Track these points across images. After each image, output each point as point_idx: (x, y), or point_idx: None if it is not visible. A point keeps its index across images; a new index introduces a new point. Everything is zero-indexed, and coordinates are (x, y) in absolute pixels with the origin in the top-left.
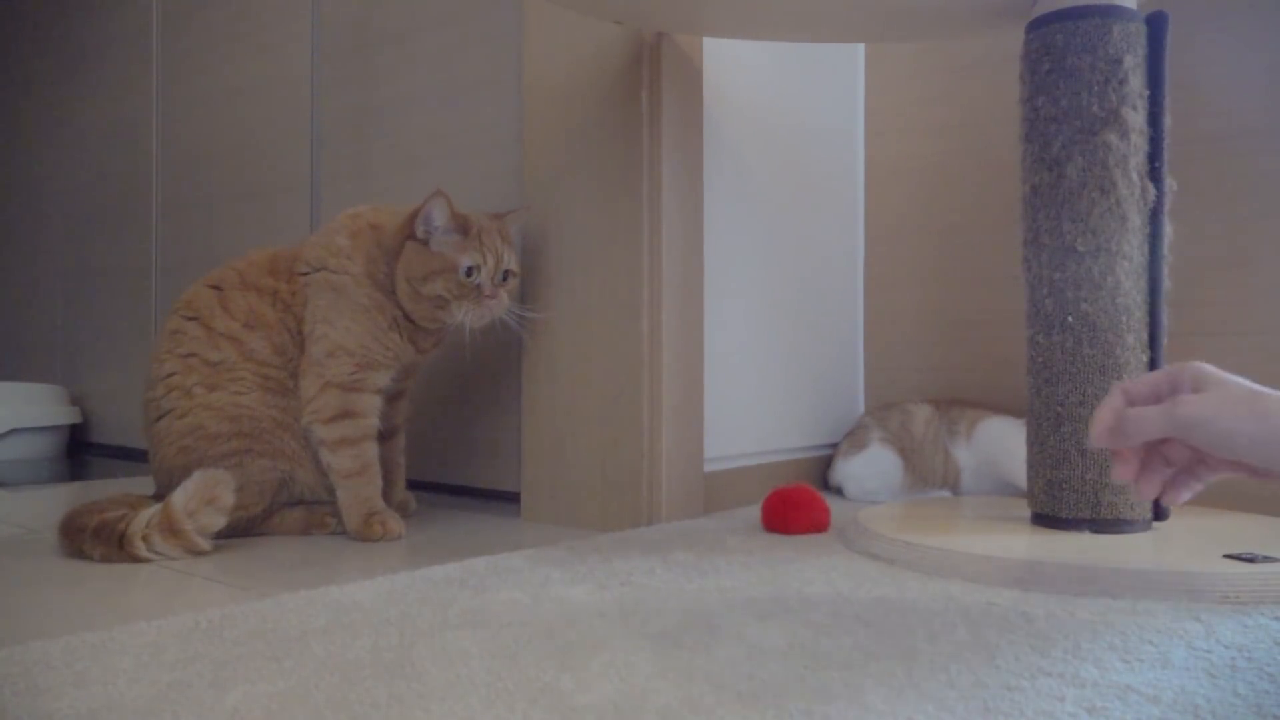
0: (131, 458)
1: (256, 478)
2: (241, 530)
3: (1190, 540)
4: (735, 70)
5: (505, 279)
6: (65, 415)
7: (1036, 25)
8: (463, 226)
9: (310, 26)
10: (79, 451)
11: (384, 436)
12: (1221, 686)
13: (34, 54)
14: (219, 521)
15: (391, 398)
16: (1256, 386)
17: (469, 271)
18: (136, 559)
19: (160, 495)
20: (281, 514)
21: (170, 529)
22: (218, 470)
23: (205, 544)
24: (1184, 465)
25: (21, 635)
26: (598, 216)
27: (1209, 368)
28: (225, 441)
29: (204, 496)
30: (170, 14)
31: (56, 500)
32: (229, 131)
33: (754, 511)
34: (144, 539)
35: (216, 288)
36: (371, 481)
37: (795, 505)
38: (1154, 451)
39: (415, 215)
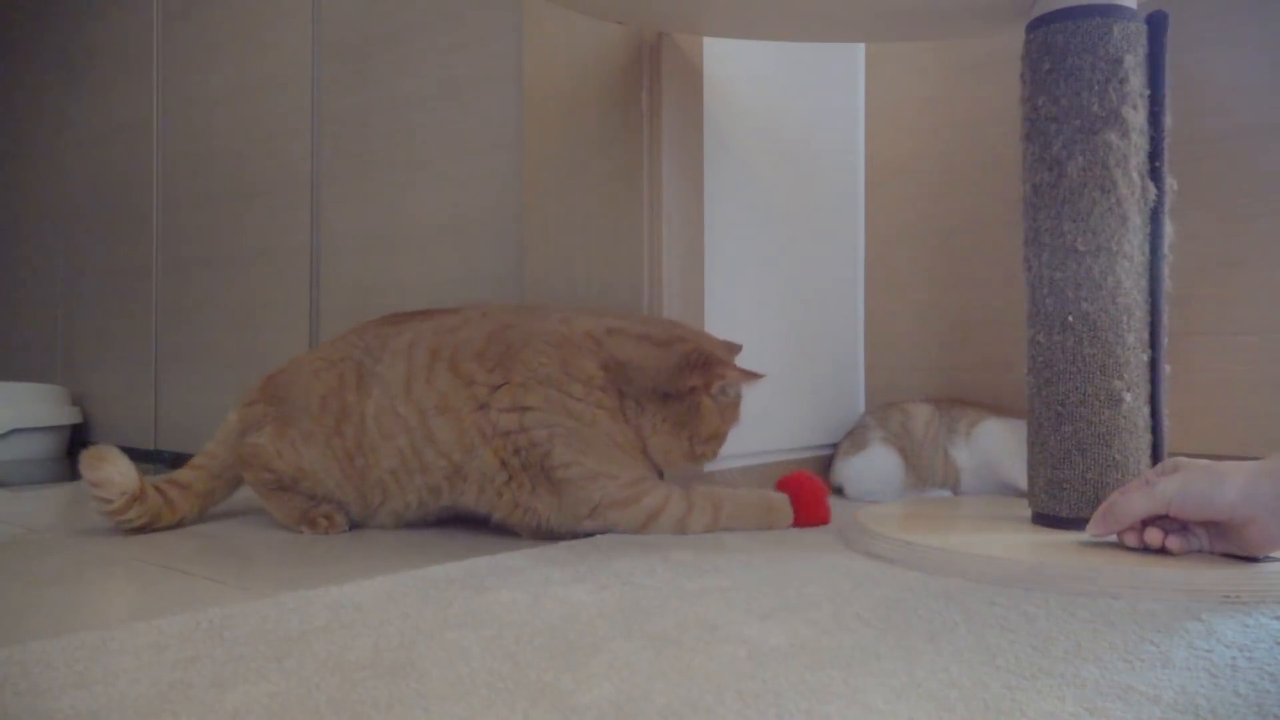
0: (132, 458)
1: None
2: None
3: None
4: (735, 70)
5: None
6: (66, 415)
7: (1036, 25)
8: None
9: (310, 26)
10: (80, 451)
11: None
12: (1223, 686)
13: (34, 54)
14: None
15: None
16: (1214, 463)
17: None
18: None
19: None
20: (282, 497)
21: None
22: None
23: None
24: (1174, 530)
25: (21, 635)
26: (598, 216)
27: (1181, 458)
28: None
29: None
30: (170, 14)
31: (56, 500)
32: (229, 131)
33: None
34: None
35: (435, 352)
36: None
37: (809, 497)
38: (1151, 526)
39: (709, 375)
